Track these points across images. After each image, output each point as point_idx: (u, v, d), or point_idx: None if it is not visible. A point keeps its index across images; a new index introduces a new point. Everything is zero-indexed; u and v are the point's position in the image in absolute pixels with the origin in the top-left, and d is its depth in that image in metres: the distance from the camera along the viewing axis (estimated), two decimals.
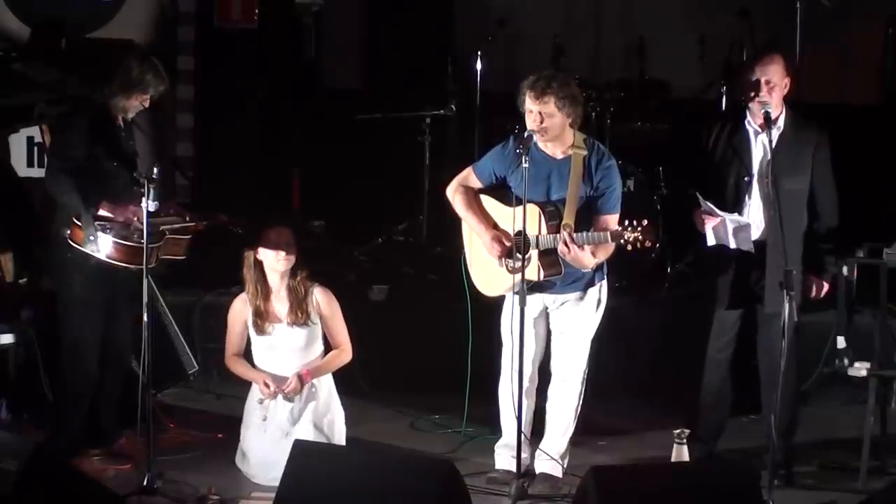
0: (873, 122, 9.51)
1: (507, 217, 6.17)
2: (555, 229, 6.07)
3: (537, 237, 6.08)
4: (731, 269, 6.36)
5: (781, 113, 6.33)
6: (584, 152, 6.19)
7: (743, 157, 6.33)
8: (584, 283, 6.25)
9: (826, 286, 6.41)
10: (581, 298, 6.28)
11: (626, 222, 5.91)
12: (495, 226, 6.28)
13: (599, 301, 6.33)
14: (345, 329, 6.62)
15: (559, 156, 6.21)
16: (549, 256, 6.12)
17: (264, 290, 6.52)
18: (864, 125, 9.30)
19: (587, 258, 6.06)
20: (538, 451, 6.39)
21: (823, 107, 8.23)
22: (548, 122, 6.11)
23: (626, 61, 9.89)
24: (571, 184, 6.13)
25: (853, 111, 9.56)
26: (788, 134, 6.31)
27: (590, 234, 6.01)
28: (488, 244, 6.25)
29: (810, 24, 8.95)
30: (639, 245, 5.89)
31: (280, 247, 6.44)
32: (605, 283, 6.35)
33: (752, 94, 6.27)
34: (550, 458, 6.35)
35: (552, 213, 6.11)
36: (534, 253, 6.09)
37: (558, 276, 6.16)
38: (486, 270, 6.35)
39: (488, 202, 6.35)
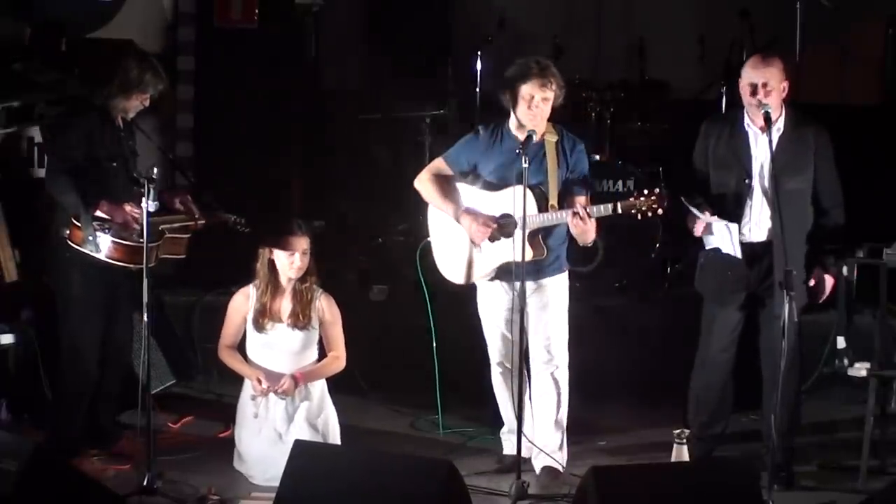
0: (873, 122, 9.50)
1: (490, 201, 6.30)
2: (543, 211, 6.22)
3: (534, 216, 6.17)
4: (733, 270, 6.35)
5: (781, 114, 6.32)
6: (556, 137, 6.32)
7: (743, 159, 6.32)
8: (551, 269, 6.35)
9: (832, 280, 6.37)
10: (550, 284, 6.36)
11: (637, 191, 6.09)
12: (474, 212, 6.32)
13: (565, 287, 6.41)
14: (342, 337, 6.63)
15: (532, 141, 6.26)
16: (534, 238, 6.23)
17: (274, 289, 6.54)
18: (864, 125, 9.28)
19: (592, 231, 6.15)
20: (536, 450, 6.39)
21: (823, 107, 8.21)
22: (545, 108, 6.23)
23: (626, 61, 9.88)
24: (551, 168, 6.25)
25: (853, 111, 9.54)
26: (789, 134, 6.30)
27: (601, 206, 6.13)
28: (474, 230, 6.28)
29: (810, 24, 8.94)
30: (650, 214, 6.06)
31: (295, 253, 6.47)
32: (566, 270, 6.44)
33: (750, 96, 6.26)
34: (547, 454, 6.35)
35: (540, 196, 6.23)
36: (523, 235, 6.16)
37: (542, 257, 6.26)
38: (458, 258, 6.42)
39: (464, 189, 6.42)
